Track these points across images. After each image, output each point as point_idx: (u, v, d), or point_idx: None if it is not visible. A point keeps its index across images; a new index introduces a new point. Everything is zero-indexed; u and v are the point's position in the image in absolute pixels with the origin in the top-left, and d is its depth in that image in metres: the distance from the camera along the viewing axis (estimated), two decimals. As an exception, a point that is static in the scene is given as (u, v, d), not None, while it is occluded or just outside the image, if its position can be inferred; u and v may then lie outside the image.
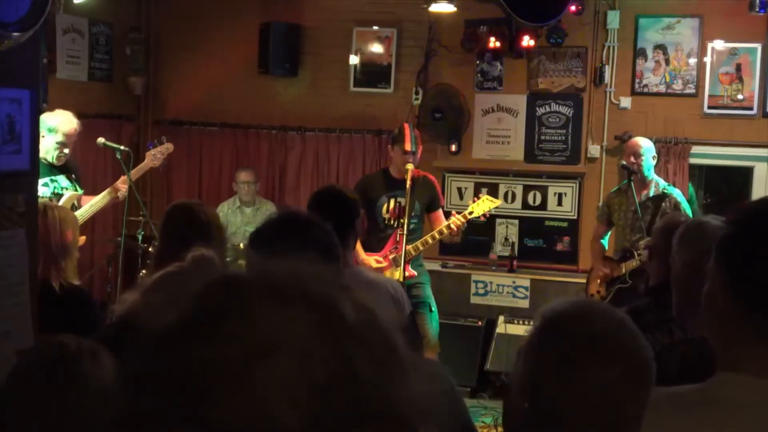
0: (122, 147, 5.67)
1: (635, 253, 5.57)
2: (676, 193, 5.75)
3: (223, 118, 7.65)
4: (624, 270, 5.61)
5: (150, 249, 5.84)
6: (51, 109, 5.53)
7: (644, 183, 5.73)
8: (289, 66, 7.42)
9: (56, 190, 5.43)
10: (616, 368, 1.44)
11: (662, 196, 5.65)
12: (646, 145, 5.81)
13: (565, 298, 1.65)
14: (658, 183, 5.75)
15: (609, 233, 6.07)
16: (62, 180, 5.48)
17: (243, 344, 0.66)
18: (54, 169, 5.44)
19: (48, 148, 5.30)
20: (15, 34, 2.81)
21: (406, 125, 5.59)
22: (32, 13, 2.85)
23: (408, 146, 5.38)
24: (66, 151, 5.37)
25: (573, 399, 1.44)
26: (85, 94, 6.88)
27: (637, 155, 5.73)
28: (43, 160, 5.35)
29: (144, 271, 5.74)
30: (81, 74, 7.14)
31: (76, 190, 5.52)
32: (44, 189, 5.38)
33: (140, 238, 5.98)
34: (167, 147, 5.98)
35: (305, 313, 0.68)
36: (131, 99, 7.78)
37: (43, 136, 5.31)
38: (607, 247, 6.07)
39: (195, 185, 7.66)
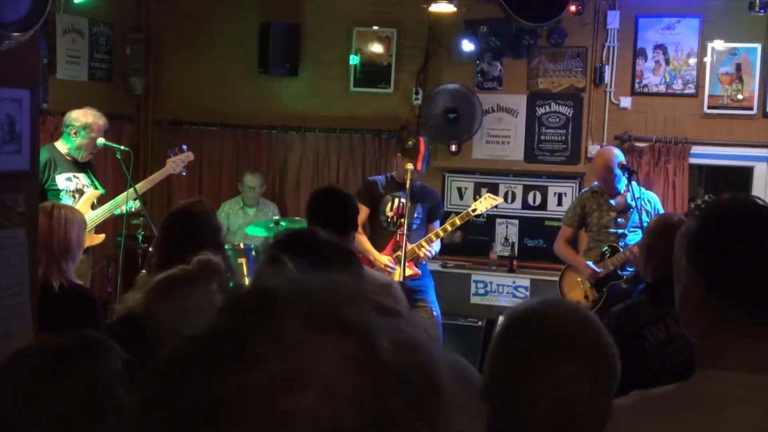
0: (122, 147, 5.68)
1: (616, 247, 5.52)
2: (654, 199, 5.70)
3: (223, 118, 7.65)
4: (611, 266, 5.53)
5: (150, 249, 5.84)
6: (60, 108, 5.59)
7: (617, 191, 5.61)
8: (289, 66, 7.42)
9: (78, 186, 5.50)
10: (572, 365, 1.41)
11: (641, 198, 5.52)
12: (613, 160, 5.57)
13: (534, 298, 1.64)
14: (634, 187, 5.47)
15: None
16: (83, 178, 5.56)
17: (268, 371, 0.59)
18: (75, 166, 5.51)
19: (83, 145, 5.47)
20: (15, 34, 2.81)
21: (422, 140, 5.48)
22: (32, 13, 2.85)
23: (420, 167, 5.34)
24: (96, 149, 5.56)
25: (529, 397, 1.42)
26: (85, 94, 6.86)
27: (610, 171, 5.55)
28: (66, 156, 5.46)
29: (144, 271, 5.73)
30: (81, 74, 7.13)
31: (97, 189, 5.60)
32: (68, 183, 5.47)
33: (140, 238, 5.98)
34: (187, 155, 6.09)
35: (339, 344, 0.61)
36: (131, 99, 7.77)
37: (75, 133, 5.42)
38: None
39: (195, 185, 7.65)
